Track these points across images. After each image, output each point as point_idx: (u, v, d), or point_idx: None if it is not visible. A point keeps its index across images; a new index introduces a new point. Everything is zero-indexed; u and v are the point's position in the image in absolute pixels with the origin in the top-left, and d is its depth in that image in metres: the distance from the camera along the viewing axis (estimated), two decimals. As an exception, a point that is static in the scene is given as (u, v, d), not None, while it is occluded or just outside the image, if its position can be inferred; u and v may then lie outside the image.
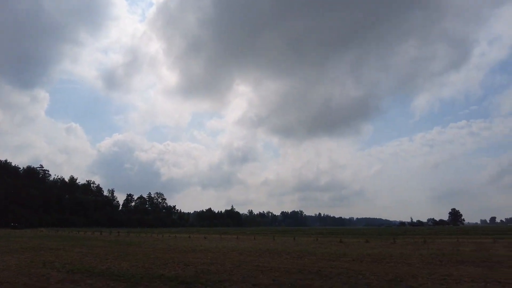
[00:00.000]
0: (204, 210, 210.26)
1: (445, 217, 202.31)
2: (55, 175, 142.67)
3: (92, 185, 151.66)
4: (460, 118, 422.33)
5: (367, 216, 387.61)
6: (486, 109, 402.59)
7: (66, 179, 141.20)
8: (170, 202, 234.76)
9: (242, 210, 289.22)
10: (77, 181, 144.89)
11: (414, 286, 9.72)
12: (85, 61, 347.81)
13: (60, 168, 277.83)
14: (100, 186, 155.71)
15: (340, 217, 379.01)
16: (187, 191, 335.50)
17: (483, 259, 16.48)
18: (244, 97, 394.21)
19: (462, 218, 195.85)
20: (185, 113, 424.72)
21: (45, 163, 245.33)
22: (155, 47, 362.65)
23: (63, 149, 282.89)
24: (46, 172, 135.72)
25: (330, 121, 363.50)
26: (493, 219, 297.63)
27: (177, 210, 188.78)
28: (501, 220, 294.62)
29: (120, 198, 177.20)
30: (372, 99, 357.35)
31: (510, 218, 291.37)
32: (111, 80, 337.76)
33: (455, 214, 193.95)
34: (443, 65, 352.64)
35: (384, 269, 13.26)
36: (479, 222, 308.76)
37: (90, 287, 9.70)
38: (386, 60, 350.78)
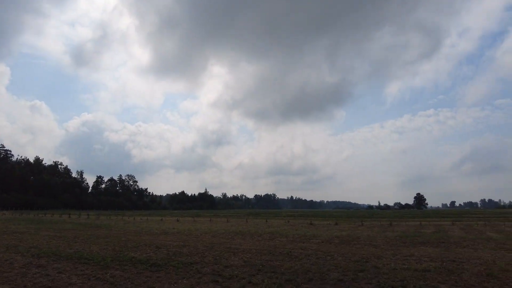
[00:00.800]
0: (177, 193, 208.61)
1: (410, 201, 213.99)
2: (18, 155, 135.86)
3: (59, 166, 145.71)
4: (429, 106, 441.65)
5: (337, 200, 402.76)
6: (453, 99, 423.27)
7: (31, 160, 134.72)
8: (142, 184, 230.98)
9: (216, 193, 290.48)
10: (43, 162, 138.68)
11: (379, 266, 10.24)
12: (50, 34, 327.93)
13: (24, 148, 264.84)
14: (68, 167, 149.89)
15: (312, 200, 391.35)
16: (160, 173, 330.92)
17: (441, 240, 17.65)
18: (219, 78, 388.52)
19: (426, 202, 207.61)
20: (158, 93, 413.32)
21: (7, 143, 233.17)
22: (127, 22, 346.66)
23: (27, 129, 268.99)
24: (8, 152, 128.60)
25: (305, 106, 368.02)
26: (453, 203, 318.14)
27: (149, 192, 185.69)
28: (459, 204, 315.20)
29: (90, 180, 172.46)
30: (346, 85, 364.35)
31: (468, 202, 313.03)
32: (79, 56, 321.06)
33: (419, 199, 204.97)
34: (416, 54, 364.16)
35: (351, 250, 13.86)
36: (440, 206, 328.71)
37: (58, 271, 9.46)
38: (361, 47, 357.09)
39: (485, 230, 24.92)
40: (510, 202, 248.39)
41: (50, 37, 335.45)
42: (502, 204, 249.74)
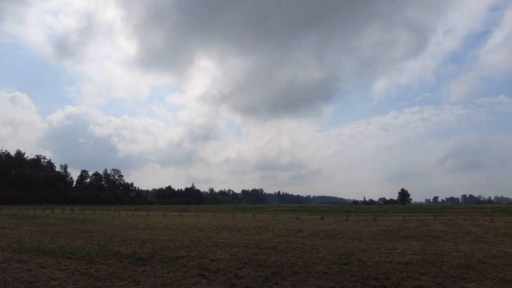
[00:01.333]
0: (164, 188, 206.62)
1: (395, 196, 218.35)
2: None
3: (42, 160, 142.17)
4: (414, 104, 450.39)
5: (324, 195, 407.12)
6: (438, 96, 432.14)
7: (12, 154, 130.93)
8: (127, 179, 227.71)
9: (203, 188, 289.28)
10: (25, 156, 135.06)
11: (363, 259, 10.45)
12: (32, 23, 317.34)
13: (4, 142, 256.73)
14: (51, 161, 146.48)
15: (298, 195, 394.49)
16: (146, 168, 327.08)
17: (424, 234, 18.10)
18: (207, 72, 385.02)
19: (410, 197, 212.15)
20: (144, 86, 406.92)
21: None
22: (113, 13, 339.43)
23: (7, 121, 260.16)
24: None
25: (292, 101, 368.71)
26: (435, 198, 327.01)
27: (135, 187, 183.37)
28: (442, 200, 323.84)
29: (74, 174, 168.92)
30: (334, 81, 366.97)
31: (450, 197, 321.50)
32: (63, 47, 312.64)
33: (403, 194, 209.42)
34: (403, 52, 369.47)
35: (336, 244, 14.07)
36: (424, 201, 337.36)
37: (40, 266, 9.28)
38: (349, 43, 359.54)
39: (465, 224, 25.69)
40: (489, 197, 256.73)
41: (32, 26, 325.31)
42: (481, 199, 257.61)
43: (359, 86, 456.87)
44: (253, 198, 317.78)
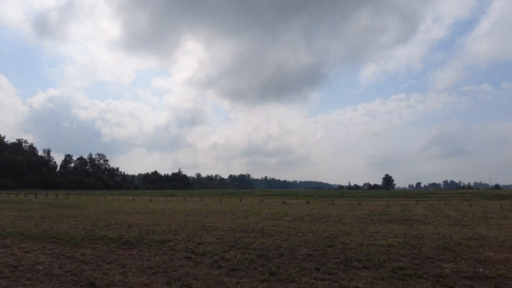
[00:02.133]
0: (150, 173, 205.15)
1: (379, 182, 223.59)
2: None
3: (24, 144, 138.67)
4: (401, 90, 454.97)
5: (310, 180, 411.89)
6: (424, 83, 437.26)
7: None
8: (113, 164, 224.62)
9: (190, 173, 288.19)
10: (5, 140, 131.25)
11: (346, 242, 10.74)
12: (8, 0, 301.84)
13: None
14: (34, 145, 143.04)
15: (285, 180, 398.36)
16: (131, 153, 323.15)
17: (406, 218, 18.68)
18: (193, 55, 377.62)
19: (394, 183, 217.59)
20: (129, 69, 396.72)
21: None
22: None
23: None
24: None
25: (281, 86, 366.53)
26: (418, 184, 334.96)
27: (121, 172, 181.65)
28: (424, 185, 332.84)
29: (58, 159, 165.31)
30: (322, 67, 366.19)
31: (432, 183, 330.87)
32: (42, 25, 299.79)
33: (387, 180, 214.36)
34: (391, 38, 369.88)
35: (321, 227, 14.37)
36: (407, 187, 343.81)
37: (24, 251, 9.19)
38: (338, 28, 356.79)
39: (445, 209, 26.61)
40: (469, 183, 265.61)
41: (8, 3, 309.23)
42: (462, 185, 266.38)
43: (347, 72, 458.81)
44: (240, 183, 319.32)
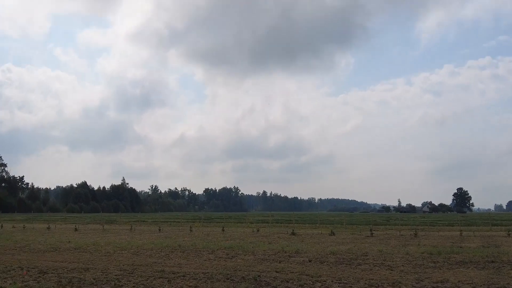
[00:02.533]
0: (75, 185, 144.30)
1: (448, 200, 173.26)
2: None
3: None
4: (483, 53, 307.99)
5: (335, 197, 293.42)
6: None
7: None
8: (14, 171, 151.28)
9: (141, 186, 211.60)
10: None
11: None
12: None
13: None
14: None
15: (295, 198, 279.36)
16: (44, 153, 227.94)
17: (490, 258, 14.22)
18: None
19: (471, 202, 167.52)
20: (39, 15, 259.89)
21: None
22: None
23: None
24: None
25: (289, 45, 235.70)
26: (510, 203, 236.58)
27: (27, 184, 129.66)
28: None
29: None
30: (357, 13, 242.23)
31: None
32: None
33: (461, 196, 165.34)
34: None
35: (354, 273, 10.93)
36: (493, 208, 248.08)
37: None
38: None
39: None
40: None
41: None
42: None
43: (396, 24, 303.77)
44: (223, 202, 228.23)
